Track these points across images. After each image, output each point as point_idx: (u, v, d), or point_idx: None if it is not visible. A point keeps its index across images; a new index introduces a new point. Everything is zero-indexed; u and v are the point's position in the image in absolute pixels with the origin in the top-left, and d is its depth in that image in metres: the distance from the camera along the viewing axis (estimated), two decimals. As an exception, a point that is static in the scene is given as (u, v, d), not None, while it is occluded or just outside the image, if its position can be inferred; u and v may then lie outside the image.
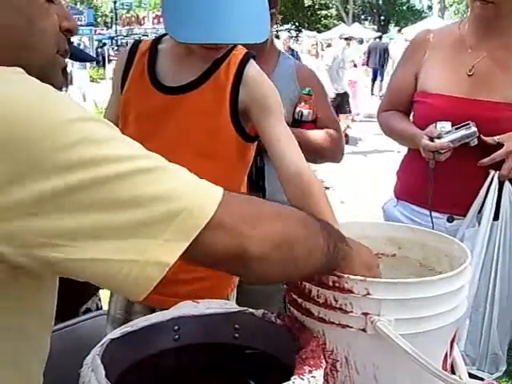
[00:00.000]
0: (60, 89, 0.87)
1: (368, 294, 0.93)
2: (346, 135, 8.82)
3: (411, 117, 2.18)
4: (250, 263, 0.78)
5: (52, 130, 0.67)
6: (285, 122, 1.45)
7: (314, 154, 2.04)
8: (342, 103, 9.19)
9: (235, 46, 1.48)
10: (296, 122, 2.05)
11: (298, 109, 2.07)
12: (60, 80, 0.89)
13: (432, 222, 1.97)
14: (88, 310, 2.06)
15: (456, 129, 1.87)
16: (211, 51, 1.41)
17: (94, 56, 18.90)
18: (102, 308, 2.12)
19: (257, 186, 1.95)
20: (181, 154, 1.29)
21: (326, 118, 2.13)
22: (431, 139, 1.90)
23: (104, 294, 1.99)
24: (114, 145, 0.72)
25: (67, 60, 0.94)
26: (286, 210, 0.88)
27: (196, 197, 0.74)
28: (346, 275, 0.93)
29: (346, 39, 10.56)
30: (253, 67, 1.47)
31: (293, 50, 9.63)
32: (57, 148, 0.66)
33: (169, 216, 0.71)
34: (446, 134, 1.88)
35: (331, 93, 8.60)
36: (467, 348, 2.01)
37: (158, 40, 1.54)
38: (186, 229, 0.72)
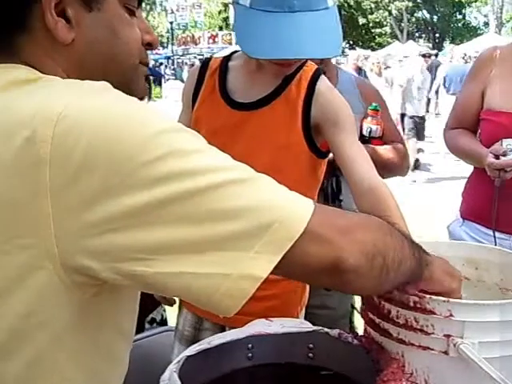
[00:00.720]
0: (143, 97, 0.89)
1: (451, 315, 0.90)
2: (417, 159, 8.33)
3: (478, 135, 2.13)
4: (346, 274, 0.76)
5: (142, 143, 0.67)
6: (357, 138, 1.45)
7: (384, 169, 2.02)
8: (420, 128, 8.35)
9: (305, 61, 1.48)
10: (364, 139, 2.03)
11: (366, 125, 2.05)
12: (142, 88, 0.91)
13: (495, 243, 1.91)
14: (153, 320, 2.08)
15: None
16: (283, 67, 1.41)
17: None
18: (166, 319, 2.13)
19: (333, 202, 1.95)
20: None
21: (391, 133, 2.12)
22: (496, 157, 1.85)
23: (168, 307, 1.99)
24: (202, 156, 0.71)
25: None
26: (374, 220, 0.86)
27: (287, 208, 0.72)
28: (427, 296, 0.91)
29: (424, 56, 9.45)
30: (324, 83, 1.47)
31: (361, 69, 9.25)
32: (146, 162, 0.67)
33: (260, 228, 0.70)
34: (511, 150, 1.83)
35: (407, 118, 8.12)
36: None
37: (228, 57, 1.56)
38: (279, 241, 0.70)
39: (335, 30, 1.35)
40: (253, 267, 0.69)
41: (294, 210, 0.73)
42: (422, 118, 8.47)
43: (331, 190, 1.95)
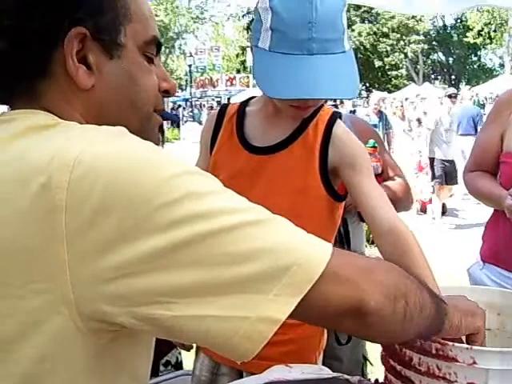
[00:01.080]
0: (157, 145, 0.89)
1: (474, 362, 0.88)
2: (444, 205, 8.15)
3: (498, 178, 2.12)
4: (369, 317, 0.74)
5: (157, 186, 0.67)
6: (374, 179, 1.45)
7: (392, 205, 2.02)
8: (450, 172, 7.88)
9: (322, 106, 1.50)
10: None
11: None
12: (157, 136, 0.92)
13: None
14: (168, 363, 2.06)
15: None
16: (300, 110, 1.42)
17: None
18: (181, 362, 2.11)
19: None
20: None
21: (392, 168, 2.12)
22: None
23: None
24: (217, 198, 0.71)
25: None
26: (393, 265, 0.84)
27: (306, 250, 0.71)
28: (450, 343, 0.90)
29: (450, 97, 8.82)
30: (341, 126, 1.48)
31: (382, 113, 9.06)
32: (162, 205, 0.67)
33: (278, 270, 0.69)
34: None
35: (437, 162, 7.85)
36: None
37: (245, 103, 1.58)
38: (297, 283, 0.69)
39: (352, 73, 1.37)
40: (271, 310, 0.68)
41: (312, 251, 0.72)
42: (452, 162, 8.06)
43: (339, 232, 1.94)
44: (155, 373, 1.94)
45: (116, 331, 0.73)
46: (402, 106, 10.44)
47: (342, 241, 1.96)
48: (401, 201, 2.05)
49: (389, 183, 2.06)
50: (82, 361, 0.73)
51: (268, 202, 1.46)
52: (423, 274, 1.26)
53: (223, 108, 1.59)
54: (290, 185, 1.45)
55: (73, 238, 0.67)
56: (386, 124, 8.81)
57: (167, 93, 0.93)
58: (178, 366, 2.11)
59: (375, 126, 7.79)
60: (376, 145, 2.04)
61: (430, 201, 7.99)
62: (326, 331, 1.57)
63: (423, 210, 8.18)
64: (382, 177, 2.07)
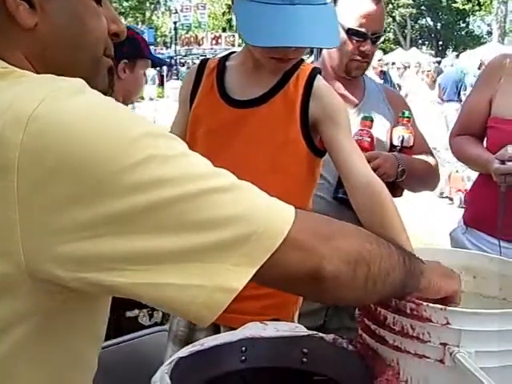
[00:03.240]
0: (106, 90, 0.86)
1: (448, 323, 0.89)
2: None
3: (485, 142, 2.12)
4: (325, 283, 0.75)
5: (117, 149, 0.65)
6: (351, 136, 1.47)
7: (419, 182, 1.99)
8: None
9: (302, 61, 1.51)
10: (395, 148, 1.94)
11: (397, 133, 1.94)
12: (105, 79, 0.88)
13: (500, 251, 1.90)
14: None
15: None
16: (281, 63, 1.42)
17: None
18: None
19: None
20: (250, 169, 1.29)
21: (421, 143, 2.04)
22: (502, 162, 1.84)
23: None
24: (182, 163, 0.70)
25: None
26: (360, 229, 0.84)
27: (266, 218, 0.71)
28: (424, 303, 0.90)
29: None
30: (322, 81, 1.49)
31: (385, 73, 8.86)
32: (121, 169, 0.64)
33: (238, 239, 0.68)
34: None
35: None
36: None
37: (225, 57, 1.57)
38: (257, 252, 0.69)
39: (332, 23, 1.39)
40: (229, 279, 0.68)
41: (273, 219, 0.71)
42: None
43: None
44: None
45: (69, 293, 0.71)
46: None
47: None
48: (429, 178, 2.03)
49: (418, 157, 1.98)
50: (32, 322, 0.71)
51: (248, 157, 1.47)
52: (396, 231, 1.27)
53: (203, 63, 1.58)
54: (271, 139, 1.45)
55: (24, 200, 0.64)
56: (392, 86, 8.67)
57: (116, 36, 0.89)
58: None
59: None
60: (410, 115, 1.97)
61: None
62: None
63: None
64: (412, 150, 1.97)
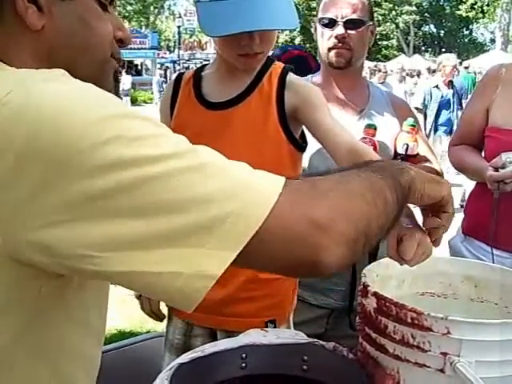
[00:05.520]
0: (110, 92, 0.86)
1: (448, 332, 0.88)
2: None
3: (483, 153, 2.12)
4: (327, 270, 0.69)
5: (85, 128, 0.63)
6: (332, 115, 1.48)
7: None
8: None
9: (273, 61, 1.56)
10: (400, 157, 1.93)
11: (401, 142, 1.93)
12: (110, 82, 0.89)
13: (493, 259, 1.89)
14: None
15: None
16: (249, 59, 1.46)
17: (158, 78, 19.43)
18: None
19: None
20: None
21: (426, 151, 2.02)
22: (496, 170, 1.85)
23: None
24: (154, 142, 0.66)
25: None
26: (352, 186, 0.74)
27: (245, 196, 0.66)
28: (425, 312, 0.89)
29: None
30: (294, 75, 1.54)
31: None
32: (89, 148, 0.62)
33: (213, 221, 0.64)
34: (510, 163, 1.83)
35: None
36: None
37: (200, 68, 1.63)
38: (235, 235, 0.64)
39: (289, 6, 1.44)
40: (206, 264, 0.64)
41: (253, 198, 0.66)
42: None
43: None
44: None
45: (57, 279, 0.70)
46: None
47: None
48: None
49: (424, 167, 1.96)
50: (22, 311, 0.71)
51: (231, 156, 1.51)
52: None
53: (179, 75, 1.64)
54: (252, 136, 1.48)
55: None
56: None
57: (122, 42, 0.91)
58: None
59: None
60: (415, 124, 1.95)
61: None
62: (297, 283, 1.59)
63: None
64: (416, 158, 1.94)
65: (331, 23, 1.90)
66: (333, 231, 0.68)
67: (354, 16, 1.89)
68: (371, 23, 1.96)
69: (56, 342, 0.77)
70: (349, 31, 1.88)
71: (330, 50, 1.92)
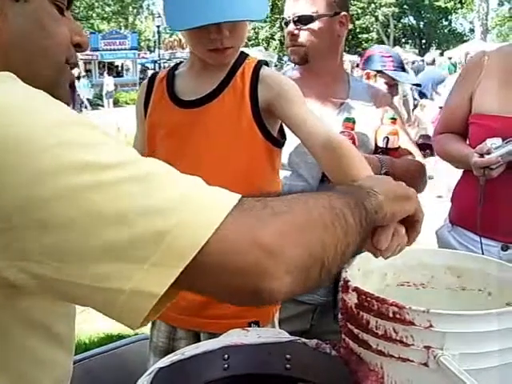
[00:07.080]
0: (67, 103, 0.84)
1: (431, 326, 0.87)
2: None
3: (468, 140, 2.11)
4: (274, 297, 0.65)
5: (28, 136, 0.61)
6: (308, 107, 1.46)
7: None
8: None
9: (247, 55, 1.54)
10: (380, 150, 1.93)
11: (382, 135, 1.93)
12: (66, 91, 0.88)
13: (482, 248, 1.89)
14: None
15: (506, 143, 1.81)
16: (220, 54, 1.45)
17: (137, 78, 19.28)
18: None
19: None
20: (210, 167, 1.30)
21: (408, 144, 2.02)
22: (481, 156, 1.84)
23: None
24: (99, 149, 0.63)
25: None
26: (306, 207, 0.71)
27: (191, 210, 0.62)
28: (407, 306, 0.88)
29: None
30: (267, 69, 1.52)
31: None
32: (31, 152, 0.60)
33: (156, 235, 0.60)
34: (495, 149, 1.82)
35: None
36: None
37: (174, 67, 1.62)
38: (179, 251, 0.61)
39: None
40: (148, 282, 0.61)
41: (201, 212, 0.62)
42: None
43: None
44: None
45: (15, 288, 0.67)
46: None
47: None
48: (412, 180, 1.99)
49: (401, 159, 1.95)
50: None
51: (206, 154, 1.50)
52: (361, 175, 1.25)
53: (153, 75, 1.63)
54: (226, 133, 1.46)
55: None
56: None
57: (79, 47, 0.89)
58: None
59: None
60: (395, 117, 1.96)
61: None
62: None
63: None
64: (398, 151, 1.95)
65: (286, 22, 1.96)
66: (281, 257, 0.64)
67: (305, 12, 1.90)
68: (340, 14, 1.93)
69: (18, 352, 0.75)
70: (300, 27, 1.91)
71: (287, 47, 1.98)
